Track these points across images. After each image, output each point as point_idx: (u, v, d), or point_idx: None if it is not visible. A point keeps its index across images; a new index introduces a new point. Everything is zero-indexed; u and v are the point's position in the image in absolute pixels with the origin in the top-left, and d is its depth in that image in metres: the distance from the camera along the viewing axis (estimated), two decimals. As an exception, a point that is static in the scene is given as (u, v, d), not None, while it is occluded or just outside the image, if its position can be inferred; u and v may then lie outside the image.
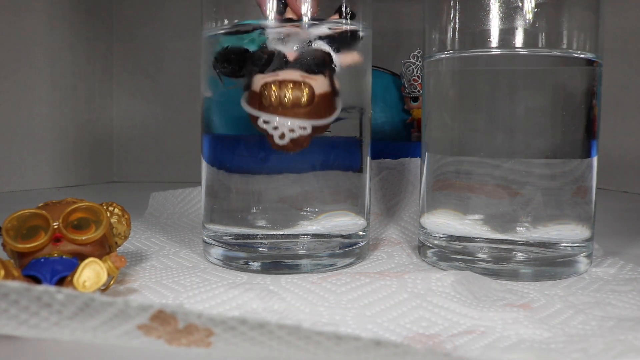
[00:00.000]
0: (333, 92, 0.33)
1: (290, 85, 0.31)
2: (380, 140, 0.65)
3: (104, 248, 0.30)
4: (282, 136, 0.31)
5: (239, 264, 0.34)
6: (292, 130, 0.31)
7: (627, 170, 0.77)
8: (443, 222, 0.35)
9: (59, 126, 0.82)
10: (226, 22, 0.34)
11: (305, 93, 0.31)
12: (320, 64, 0.32)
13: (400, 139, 0.68)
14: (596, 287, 0.31)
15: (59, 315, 0.17)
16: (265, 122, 0.31)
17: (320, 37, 0.33)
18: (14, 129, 0.76)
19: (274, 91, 0.31)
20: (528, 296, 0.29)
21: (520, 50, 0.32)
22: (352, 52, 0.34)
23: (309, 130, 0.32)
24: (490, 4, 0.32)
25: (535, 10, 0.31)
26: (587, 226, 0.34)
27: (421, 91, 0.62)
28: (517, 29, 0.32)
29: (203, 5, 0.35)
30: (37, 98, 0.79)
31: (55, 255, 0.28)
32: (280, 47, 0.32)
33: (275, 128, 0.31)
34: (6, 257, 0.28)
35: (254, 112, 0.32)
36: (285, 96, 0.31)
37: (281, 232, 0.34)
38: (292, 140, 0.32)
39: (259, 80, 0.32)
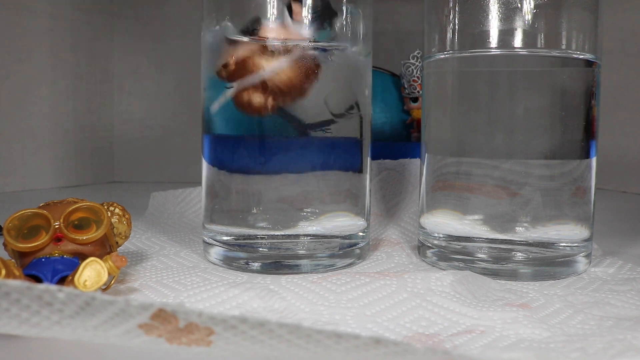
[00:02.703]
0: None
1: None
2: (380, 140, 0.65)
3: (104, 248, 0.30)
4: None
5: (239, 264, 0.34)
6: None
7: (626, 171, 0.77)
8: (443, 222, 0.36)
9: (60, 126, 0.82)
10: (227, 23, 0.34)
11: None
12: None
13: (400, 140, 0.68)
14: (595, 287, 0.31)
15: (60, 314, 0.17)
16: None
17: None
18: (15, 129, 0.76)
19: None
20: (527, 296, 0.29)
21: (519, 50, 0.32)
22: None
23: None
24: (490, 5, 0.32)
25: (535, 11, 0.32)
26: (586, 226, 0.34)
27: (421, 92, 0.62)
28: (516, 29, 0.32)
29: (204, 6, 0.35)
30: (38, 98, 0.79)
31: (56, 254, 0.28)
32: None
33: None
34: (7, 257, 0.28)
35: None
36: None
37: (281, 233, 0.35)
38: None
39: None
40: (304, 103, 0.34)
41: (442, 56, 0.35)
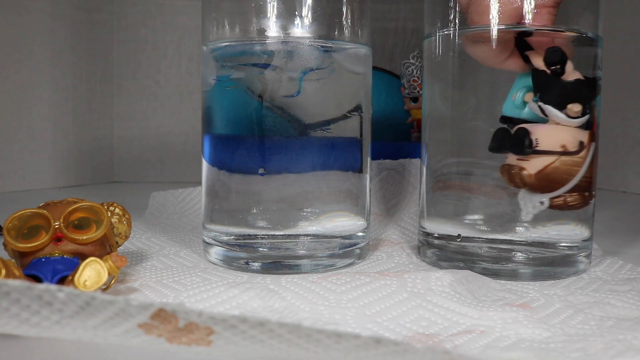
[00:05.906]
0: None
1: (511, 169, 0.32)
2: (380, 140, 0.65)
3: (104, 248, 0.30)
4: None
5: (239, 264, 0.34)
6: (536, 206, 0.32)
7: (626, 171, 0.77)
8: (443, 222, 0.36)
9: (60, 126, 0.82)
10: (227, 26, 0.34)
11: (516, 177, 0.32)
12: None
13: (400, 140, 0.68)
14: (595, 287, 0.31)
15: (60, 314, 0.17)
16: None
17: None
18: (15, 129, 0.76)
19: (505, 176, 0.33)
20: (527, 296, 0.29)
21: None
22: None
23: (546, 204, 0.32)
24: (490, 4, 0.32)
25: (535, 11, 0.31)
26: (586, 226, 0.34)
27: (421, 92, 0.62)
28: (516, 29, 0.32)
29: (203, 7, 0.35)
30: (38, 98, 0.79)
31: (56, 254, 0.28)
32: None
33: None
34: (7, 257, 0.28)
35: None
36: (511, 180, 0.32)
37: (281, 233, 0.35)
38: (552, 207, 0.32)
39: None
40: (304, 103, 0.34)
41: (442, 56, 0.35)
